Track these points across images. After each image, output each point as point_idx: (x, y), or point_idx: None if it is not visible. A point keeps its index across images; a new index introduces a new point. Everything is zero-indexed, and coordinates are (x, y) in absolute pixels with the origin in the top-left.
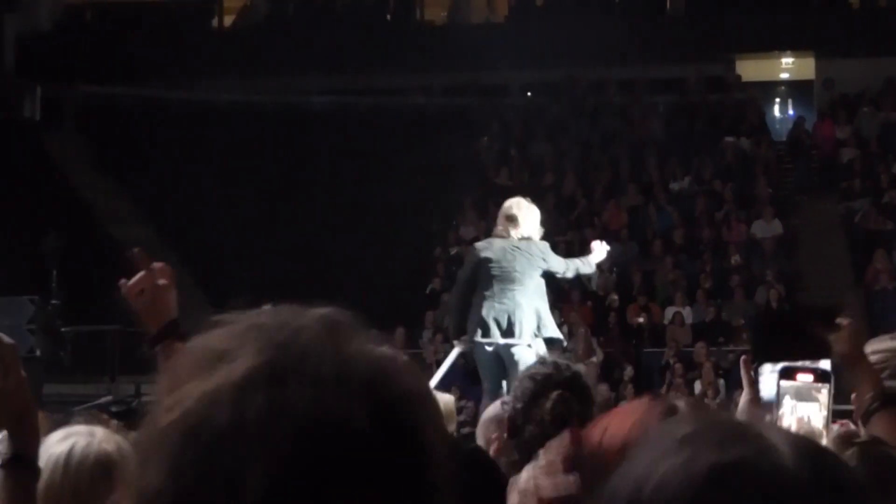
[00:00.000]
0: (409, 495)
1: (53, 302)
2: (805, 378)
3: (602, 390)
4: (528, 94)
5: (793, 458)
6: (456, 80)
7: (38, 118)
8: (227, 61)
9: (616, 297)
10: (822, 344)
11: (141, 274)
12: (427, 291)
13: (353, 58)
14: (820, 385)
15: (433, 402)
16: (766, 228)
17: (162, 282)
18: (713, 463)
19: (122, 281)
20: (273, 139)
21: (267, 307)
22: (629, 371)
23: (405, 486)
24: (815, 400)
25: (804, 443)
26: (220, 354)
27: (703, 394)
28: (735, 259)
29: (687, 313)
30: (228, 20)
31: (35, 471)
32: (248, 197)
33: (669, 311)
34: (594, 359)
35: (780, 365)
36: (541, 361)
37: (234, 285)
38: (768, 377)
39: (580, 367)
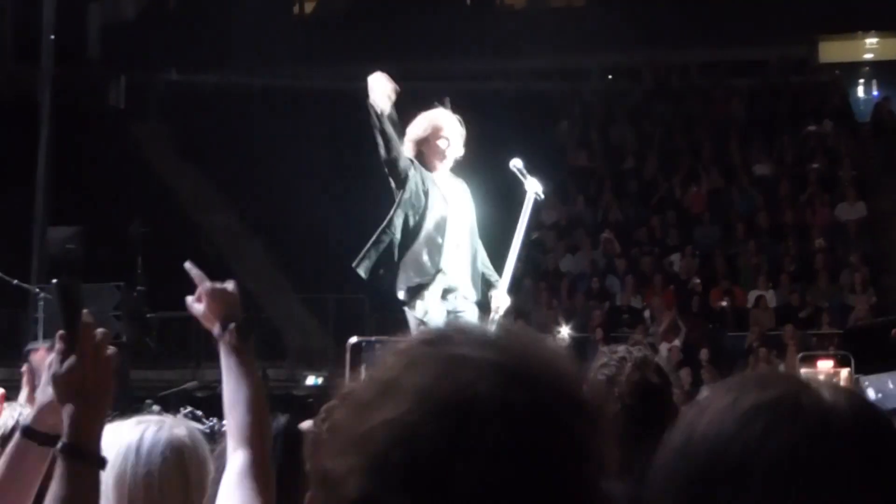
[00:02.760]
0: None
1: (139, 288)
2: (825, 364)
3: (683, 374)
4: (609, 77)
5: (829, 394)
6: (536, 65)
7: (123, 106)
8: (309, 48)
9: (699, 280)
10: None
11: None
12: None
13: (432, 43)
14: (840, 370)
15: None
16: (850, 211)
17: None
18: (756, 399)
19: (189, 299)
20: (355, 125)
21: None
22: (705, 353)
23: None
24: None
25: (835, 384)
26: (388, 389)
27: None
28: (819, 242)
29: (770, 297)
30: (309, 7)
31: (95, 460)
32: (331, 183)
33: (752, 295)
34: (677, 342)
35: (800, 354)
36: (612, 350)
37: (317, 272)
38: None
39: (651, 351)
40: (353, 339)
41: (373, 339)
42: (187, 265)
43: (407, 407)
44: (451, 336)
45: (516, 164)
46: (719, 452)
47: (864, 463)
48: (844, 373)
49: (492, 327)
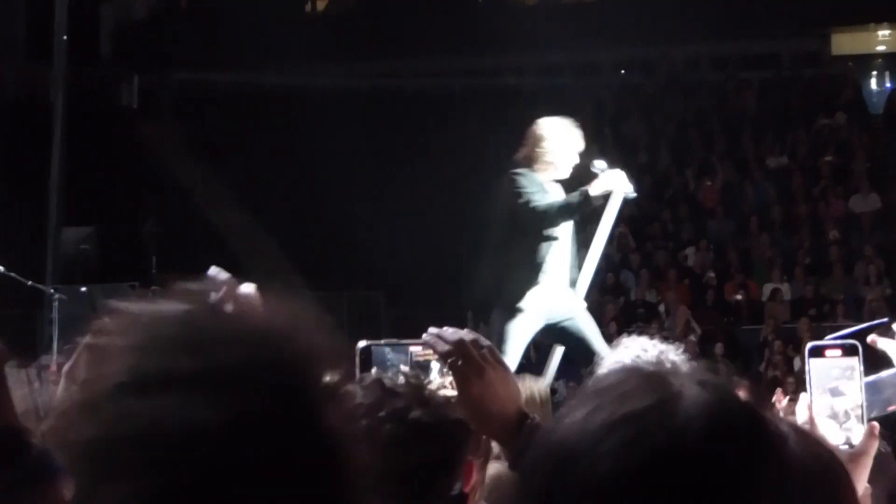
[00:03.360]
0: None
1: (154, 288)
2: (834, 353)
3: None
4: (622, 72)
5: (688, 411)
6: (548, 60)
7: (136, 106)
8: (320, 46)
9: (713, 274)
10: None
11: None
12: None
13: (444, 40)
14: (849, 360)
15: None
16: (864, 203)
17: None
18: (607, 416)
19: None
20: (367, 123)
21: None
22: (719, 347)
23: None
24: (847, 378)
25: (712, 396)
26: (100, 355)
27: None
28: (833, 234)
29: (785, 290)
30: (321, 5)
31: None
32: (344, 181)
33: (767, 288)
34: (692, 336)
35: (809, 345)
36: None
37: (332, 270)
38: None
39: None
40: (362, 343)
41: (382, 342)
42: (212, 270)
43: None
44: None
45: (600, 165)
46: (565, 469)
47: (700, 492)
48: (854, 365)
49: None
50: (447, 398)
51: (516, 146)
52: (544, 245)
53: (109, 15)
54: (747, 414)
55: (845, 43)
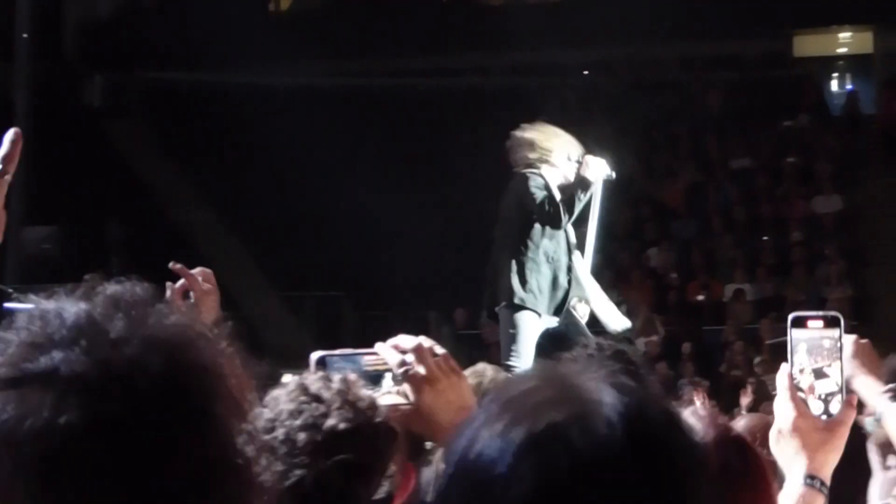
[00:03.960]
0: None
1: (69, 286)
2: (816, 324)
3: (661, 368)
4: (585, 72)
5: (609, 421)
6: (513, 60)
7: (100, 105)
8: (285, 45)
9: (676, 274)
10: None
11: (182, 280)
12: (487, 273)
13: (409, 39)
14: (830, 331)
15: (211, 382)
16: (827, 204)
17: (206, 286)
18: (527, 430)
19: (168, 284)
20: (332, 122)
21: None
22: (688, 348)
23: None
24: (827, 349)
25: (629, 403)
26: (3, 346)
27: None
28: (796, 235)
29: (748, 290)
30: (285, 4)
31: None
32: (308, 180)
33: (730, 289)
34: (655, 337)
35: (792, 315)
36: (585, 344)
37: (295, 269)
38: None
39: (626, 346)
40: (316, 354)
41: (336, 352)
42: (173, 265)
43: None
44: None
45: (571, 155)
46: (485, 486)
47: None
48: (836, 337)
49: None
50: (372, 401)
51: (481, 145)
52: (556, 242)
53: (73, 13)
54: (665, 417)
55: (808, 45)
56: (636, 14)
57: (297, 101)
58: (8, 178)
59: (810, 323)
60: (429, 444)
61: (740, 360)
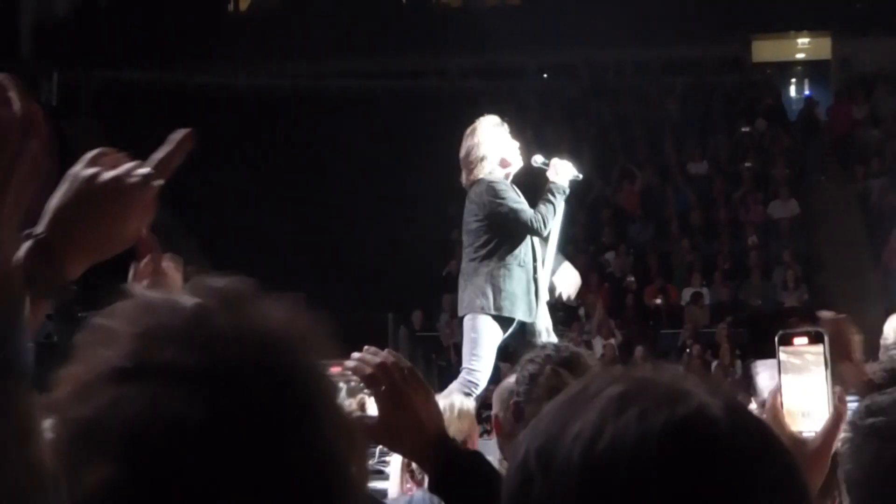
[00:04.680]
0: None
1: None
2: (801, 341)
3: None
4: (544, 76)
5: (722, 413)
6: (472, 63)
7: (56, 104)
8: (243, 45)
9: (633, 278)
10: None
11: (146, 260)
12: (444, 274)
13: (368, 41)
14: (815, 347)
15: (316, 390)
16: (783, 209)
17: (167, 264)
18: (666, 420)
19: (133, 264)
20: (289, 123)
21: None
22: (639, 351)
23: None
24: (813, 364)
25: (724, 396)
26: (108, 336)
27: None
28: (752, 240)
29: (704, 294)
30: (244, 4)
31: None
32: (265, 182)
33: (687, 293)
34: (612, 340)
35: (779, 333)
36: (542, 346)
37: (251, 271)
38: (763, 373)
39: (581, 349)
40: None
41: None
42: (148, 235)
43: None
44: None
45: (537, 159)
46: (626, 476)
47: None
48: (820, 353)
49: None
50: None
51: (440, 147)
52: (525, 246)
53: (29, 11)
54: (761, 422)
55: (766, 50)
56: (595, 18)
57: (254, 102)
58: (158, 184)
59: (796, 340)
60: None
61: (697, 364)
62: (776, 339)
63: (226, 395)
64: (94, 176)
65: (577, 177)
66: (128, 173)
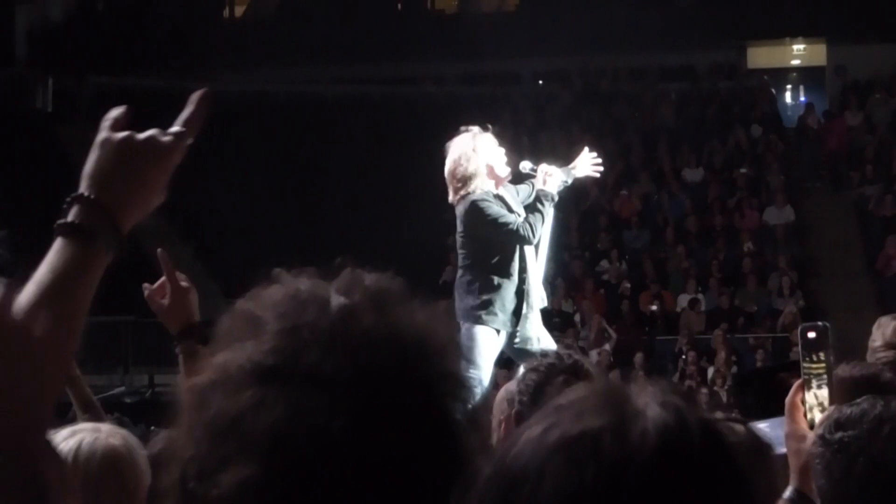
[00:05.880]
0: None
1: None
2: (812, 335)
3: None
4: (540, 82)
5: (644, 430)
6: (467, 69)
7: (51, 109)
8: (239, 51)
9: (628, 284)
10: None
11: (163, 278)
12: (440, 282)
13: (363, 47)
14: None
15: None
16: (779, 215)
17: (184, 285)
18: (561, 434)
19: (146, 285)
20: (285, 129)
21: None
22: (640, 357)
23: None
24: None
25: (670, 415)
26: (254, 325)
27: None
28: (747, 246)
29: (700, 300)
30: (239, 10)
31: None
32: (261, 187)
33: (682, 299)
34: (607, 346)
35: (800, 326)
36: (543, 354)
37: (247, 276)
38: (771, 432)
39: (581, 356)
40: None
41: None
42: (160, 252)
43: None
44: None
45: (525, 165)
46: (515, 487)
47: None
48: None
49: None
50: None
51: (434, 153)
52: (513, 258)
53: (25, 17)
54: (706, 434)
55: (761, 56)
56: (590, 24)
57: (250, 108)
58: (189, 141)
59: (809, 334)
60: None
61: (693, 370)
62: (799, 332)
63: (368, 404)
64: (128, 138)
65: (566, 182)
66: (160, 133)
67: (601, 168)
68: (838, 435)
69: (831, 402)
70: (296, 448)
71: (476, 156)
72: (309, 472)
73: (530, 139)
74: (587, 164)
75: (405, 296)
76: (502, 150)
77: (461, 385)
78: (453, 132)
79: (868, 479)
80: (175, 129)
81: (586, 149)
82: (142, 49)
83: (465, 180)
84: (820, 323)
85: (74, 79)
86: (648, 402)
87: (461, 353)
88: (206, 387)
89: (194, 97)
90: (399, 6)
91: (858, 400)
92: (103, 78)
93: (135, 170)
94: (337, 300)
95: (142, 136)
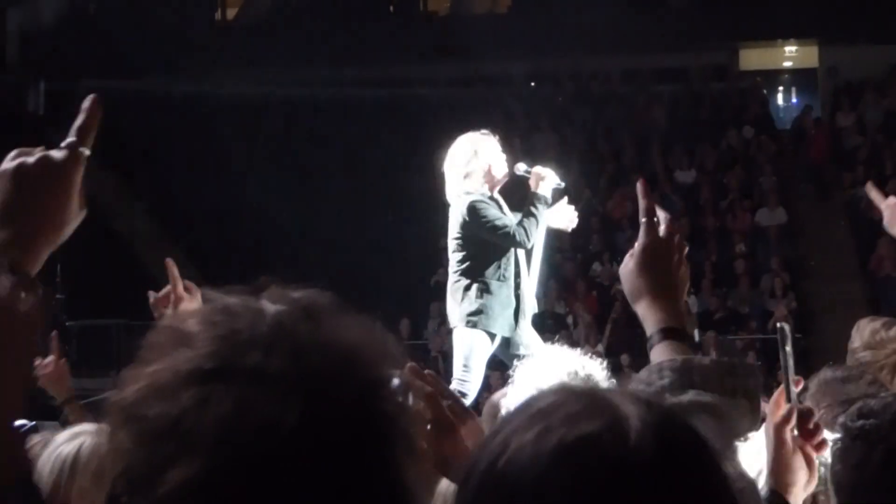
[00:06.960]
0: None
1: (58, 296)
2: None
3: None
4: (532, 83)
5: (639, 432)
6: (459, 71)
7: (42, 113)
8: (231, 54)
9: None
10: None
11: (169, 287)
12: (432, 284)
13: (356, 49)
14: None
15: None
16: (771, 217)
17: (189, 294)
18: (560, 439)
19: (151, 293)
20: (277, 131)
21: (251, 288)
22: (626, 358)
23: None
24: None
25: (656, 415)
26: (184, 337)
27: None
28: (740, 248)
29: (692, 302)
30: (231, 13)
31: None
32: (253, 190)
33: None
34: (599, 348)
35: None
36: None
37: (240, 280)
38: None
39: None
40: None
41: None
42: (168, 261)
43: None
44: None
45: (519, 167)
46: (515, 494)
47: None
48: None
49: None
50: None
51: (427, 155)
52: (508, 262)
53: (16, 20)
54: (691, 431)
55: (753, 58)
56: (582, 26)
57: (242, 111)
58: (86, 152)
59: (778, 336)
60: None
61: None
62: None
63: (317, 402)
64: (20, 165)
65: (560, 185)
66: (54, 151)
67: (576, 222)
68: (860, 423)
69: (787, 399)
70: (244, 443)
71: (477, 156)
72: (257, 466)
73: (523, 141)
74: (565, 217)
75: (336, 308)
76: (504, 157)
77: (394, 394)
78: (445, 133)
79: (884, 467)
80: (68, 140)
81: (565, 199)
82: (134, 52)
83: (462, 177)
84: (779, 324)
85: (67, 82)
86: (624, 402)
87: (396, 363)
88: (135, 399)
89: (85, 104)
90: (391, 8)
91: (884, 394)
92: (96, 81)
93: (32, 197)
94: (271, 308)
95: (32, 157)
